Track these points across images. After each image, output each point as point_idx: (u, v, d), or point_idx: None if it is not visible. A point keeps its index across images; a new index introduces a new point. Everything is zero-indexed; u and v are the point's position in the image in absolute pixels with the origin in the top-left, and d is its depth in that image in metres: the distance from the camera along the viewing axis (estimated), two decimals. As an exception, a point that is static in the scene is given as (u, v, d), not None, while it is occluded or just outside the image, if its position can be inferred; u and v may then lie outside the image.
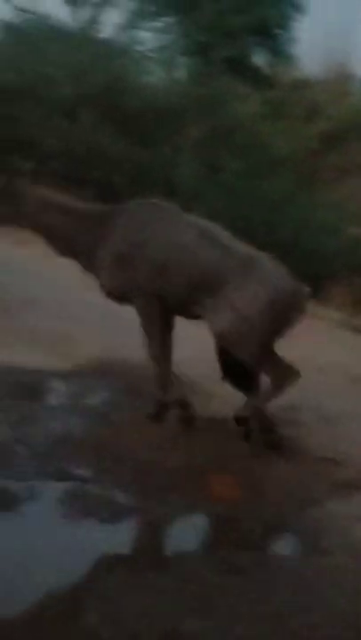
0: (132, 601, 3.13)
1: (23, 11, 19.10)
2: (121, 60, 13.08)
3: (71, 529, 3.78)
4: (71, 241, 4.80)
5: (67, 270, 5.43)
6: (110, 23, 20.26)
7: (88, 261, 4.82)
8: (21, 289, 6.99)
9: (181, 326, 4.88)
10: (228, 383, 4.93)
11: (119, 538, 3.72)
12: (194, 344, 5.18)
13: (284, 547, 3.93)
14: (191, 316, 4.80)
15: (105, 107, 11.21)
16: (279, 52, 16.09)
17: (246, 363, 4.67)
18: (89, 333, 4.80)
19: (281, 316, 4.59)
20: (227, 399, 5.01)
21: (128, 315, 4.92)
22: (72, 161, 10.92)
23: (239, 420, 4.69)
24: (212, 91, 12.30)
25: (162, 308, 4.74)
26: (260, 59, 16.28)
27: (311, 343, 6.67)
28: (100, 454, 4.37)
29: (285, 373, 4.63)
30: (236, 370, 4.80)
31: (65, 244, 4.83)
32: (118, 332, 5.40)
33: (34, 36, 15.08)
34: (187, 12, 15.26)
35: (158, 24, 15.88)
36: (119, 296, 4.83)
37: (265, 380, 4.74)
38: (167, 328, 4.85)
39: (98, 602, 3.10)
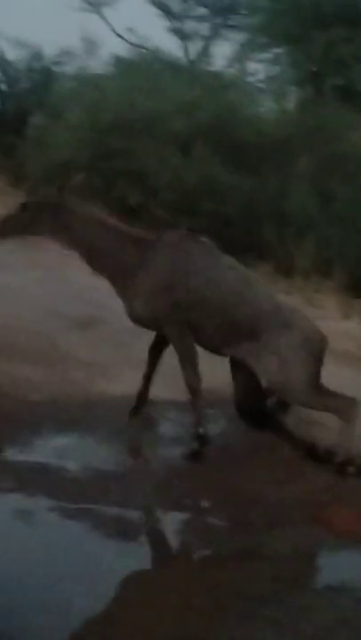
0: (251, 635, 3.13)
1: (135, 45, 19.64)
2: (232, 93, 13.22)
3: (192, 561, 3.80)
4: (110, 260, 4.78)
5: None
6: (221, 56, 20.54)
7: (123, 282, 4.80)
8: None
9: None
10: (244, 420, 4.99)
11: (242, 571, 3.71)
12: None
13: None
14: (220, 353, 4.87)
15: (216, 139, 11.33)
16: (390, 80, 15.93)
17: (305, 406, 4.84)
18: (205, 364, 4.83)
19: (319, 356, 4.78)
20: (329, 426, 4.97)
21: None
22: (183, 192, 11.05)
23: (340, 468, 4.69)
24: (323, 120, 12.26)
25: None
26: (370, 86, 16.16)
27: None
28: (218, 485, 4.39)
29: (344, 404, 4.73)
30: (252, 411, 4.93)
31: (103, 262, 4.80)
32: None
33: (146, 70, 15.46)
34: (297, 42, 15.29)
35: (268, 55, 15.96)
36: (150, 323, 4.84)
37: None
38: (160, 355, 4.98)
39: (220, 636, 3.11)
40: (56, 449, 4.70)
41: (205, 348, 4.87)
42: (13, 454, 4.54)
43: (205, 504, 4.23)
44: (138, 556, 3.77)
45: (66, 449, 4.74)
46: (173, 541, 3.99)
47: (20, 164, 13.72)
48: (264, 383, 4.75)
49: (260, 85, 15.86)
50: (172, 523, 4.09)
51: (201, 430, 4.75)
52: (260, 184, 11.13)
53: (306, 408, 4.89)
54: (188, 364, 4.80)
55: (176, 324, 4.75)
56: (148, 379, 5.06)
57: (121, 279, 4.80)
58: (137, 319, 4.87)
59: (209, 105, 11.87)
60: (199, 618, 3.23)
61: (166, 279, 4.72)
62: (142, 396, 5.07)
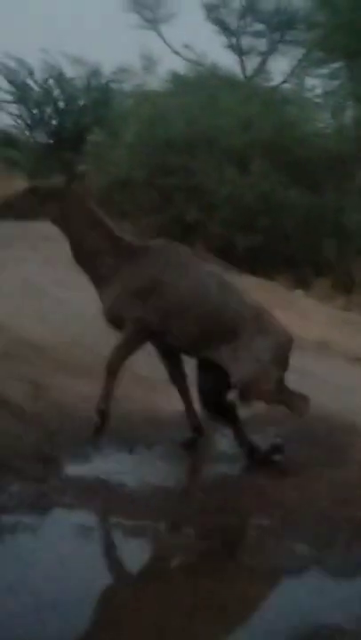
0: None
1: (192, 62, 19.79)
2: (289, 108, 13.24)
3: (251, 577, 3.76)
4: (94, 258, 4.92)
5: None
6: (278, 71, 20.55)
7: (102, 282, 4.94)
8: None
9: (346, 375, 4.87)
10: (209, 416, 5.08)
11: (307, 593, 3.68)
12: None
13: None
14: (198, 357, 4.99)
15: (274, 155, 11.35)
16: None
17: (267, 402, 5.04)
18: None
19: (285, 360, 4.97)
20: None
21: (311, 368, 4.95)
22: (241, 208, 11.09)
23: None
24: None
25: (145, 341, 4.98)
26: None
27: None
28: (276, 503, 4.37)
29: (300, 402, 4.99)
30: (215, 403, 4.97)
31: (91, 260, 4.94)
32: (297, 383, 5.36)
33: (203, 86, 15.56)
34: (353, 56, 15.25)
35: (326, 70, 15.94)
36: (123, 324, 4.95)
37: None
38: (178, 366, 5.11)
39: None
40: (115, 465, 4.73)
41: (183, 351, 5.03)
42: (74, 470, 4.57)
43: (264, 521, 4.21)
44: (194, 573, 3.76)
45: (124, 465, 4.77)
46: (229, 558, 3.96)
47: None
48: (235, 381, 4.81)
49: (318, 100, 15.85)
50: (228, 539, 4.07)
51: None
52: (318, 200, 11.12)
53: (266, 403, 5.06)
54: (121, 355, 4.91)
55: (137, 323, 4.87)
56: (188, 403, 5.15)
57: (100, 279, 4.96)
58: (111, 319, 5.00)
59: (266, 121, 11.92)
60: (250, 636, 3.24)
61: (143, 284, 4.87)
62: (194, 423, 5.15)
